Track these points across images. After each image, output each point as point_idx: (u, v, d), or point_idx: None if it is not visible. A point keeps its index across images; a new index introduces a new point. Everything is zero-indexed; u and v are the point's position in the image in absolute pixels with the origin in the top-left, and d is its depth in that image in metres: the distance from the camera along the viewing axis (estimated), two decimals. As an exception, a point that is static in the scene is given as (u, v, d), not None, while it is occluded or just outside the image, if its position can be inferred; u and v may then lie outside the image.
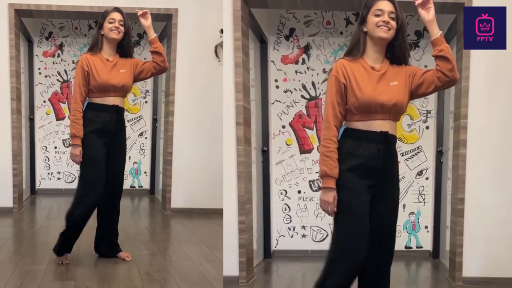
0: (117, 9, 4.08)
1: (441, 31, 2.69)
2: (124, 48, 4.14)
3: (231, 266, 4.34)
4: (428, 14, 2.72)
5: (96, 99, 4.03)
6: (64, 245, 4.13)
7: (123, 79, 4.06)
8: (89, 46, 4.15)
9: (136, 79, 4.27)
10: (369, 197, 2.72)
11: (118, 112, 4.10)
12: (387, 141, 2.72)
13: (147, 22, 4.14)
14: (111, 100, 4.05)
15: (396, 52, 2.79)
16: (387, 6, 2.72)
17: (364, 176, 2.70)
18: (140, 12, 4.11)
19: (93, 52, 4.05)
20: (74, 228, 4.10)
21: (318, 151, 5.59)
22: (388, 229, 2.82)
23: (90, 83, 3.99)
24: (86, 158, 4.01)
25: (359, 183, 2.69)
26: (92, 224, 4.23)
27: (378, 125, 2.71)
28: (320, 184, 2.75)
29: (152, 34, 4.16)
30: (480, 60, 4.47)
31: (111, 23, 4.00)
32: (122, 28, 4.04)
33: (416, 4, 2.71)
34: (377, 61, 2.77)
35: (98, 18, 6.43)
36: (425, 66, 5.61)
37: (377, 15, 2.71)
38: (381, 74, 2.73)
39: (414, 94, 2.81)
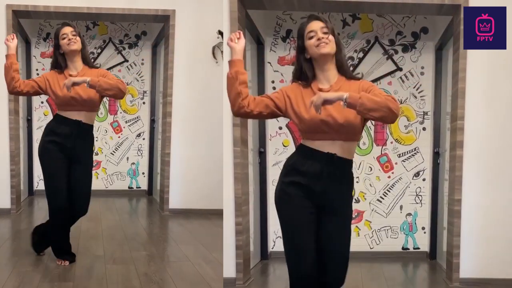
0: (65, 23, 4.05)
1: (346, 94, 2.47)
2: (85, 57, 4.10)
3: (228, 267, 4.35)
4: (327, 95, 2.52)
5: (61, 112, 4.03)
6: (55, 247, 4.17)
7: (85, 93, 3.93)
8: (51, 64, 4.12)
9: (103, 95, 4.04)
10: (311, 215, 2.71)
11: (79, 127, 4.02)
12: (333, 163, 2.67)
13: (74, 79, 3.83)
14: (75, 115, 4.00)
15: (337, 64, 2.76)
16: (317, 25, 2.71)
17: (306, 194, 2.69)
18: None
19: (59, 70, 4.06)
20: (56, 230, 4.15)
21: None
22: (337, 253, 2.79)
23: (54, 99, 4.01)
24: (45, 169, 4.09)
25: (301, 198, 2.69)
26: (90, 226, 4.23)
27: (327, 145, 2.66)
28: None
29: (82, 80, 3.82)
30: (477, 62, 4.48)
31: (64, 38, 3.98)
32: (77, 38, 4.00)
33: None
34: (328, 81, 2.74)
35: (95, 19, 6.53)
36: (422, 68, 5.62)
37: (311, 37, 2.70)
38: None
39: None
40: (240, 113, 2.76)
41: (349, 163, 2.76)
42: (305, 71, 2.76)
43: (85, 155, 4.18)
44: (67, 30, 3.99)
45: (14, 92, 4.03)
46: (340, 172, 2.72)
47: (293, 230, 2.74)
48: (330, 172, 2.68)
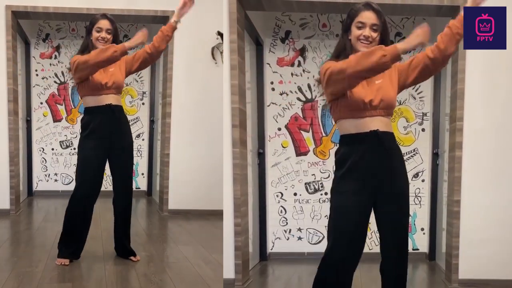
0: (105, 16, 4.07)
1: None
2: None
3: (227, 268, 4.35)
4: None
5: (90, 102, 4.07)
6: (63, 243, 4.18)
7: (113, 77, 4.07)
8: (80, 49, 4.15)
9: (131, 72, 4.25)
10: (366, 198, 2.75)
11: (112, 110, 4.10)
12: (379, 139, 2.73)
13: (183, 10, 4.02)
14: (104, 99, 4.06)
15: None
16: (369, 18, 2.73)
17: (359, 178, 2.72)
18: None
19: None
20: (69, 224, 4.17)
21: (314, 154, 5.61)
22: (399, 229, 2.86)
23: (82, 85, 4.03)
24: (80, 160, 4.11)
25: (353, 186, 2.72)
26: (90, 226, 4.24)
27: (368, 123, 2.72)
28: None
29: (178, 21, 4.06)
30: (476, 62, 4.49)
31: (98, 31, 4.02)
32: (109, 37, 4.04)
33: None
34: None
35: (95, 20, 6.49)
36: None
37: (359, 28, 2.73)
38: None
39: (405, 83, 2.85)
40: None
41: (392, 136, 2.82)
42: (348, 49, 2.79)
43: (123, 136, 4.29)
44: (104, 25, 4.03)
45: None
46: (389, 145, 2.78)
47: (348, 221, 2.76)
48: (378, 148, 2.73)
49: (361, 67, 2.53)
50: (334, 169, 2.88)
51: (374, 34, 2.73)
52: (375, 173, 2.74)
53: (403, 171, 2.86)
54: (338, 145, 2.88)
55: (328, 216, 2.85)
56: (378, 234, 5.69)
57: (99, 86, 4.01)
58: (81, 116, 4.77)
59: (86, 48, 4.06)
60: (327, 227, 2.89)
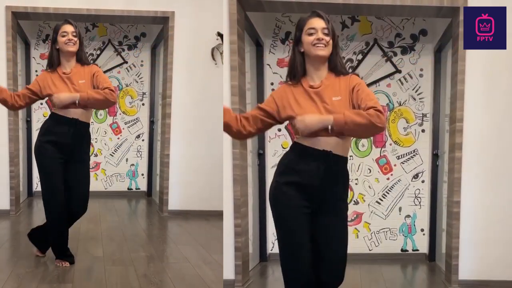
0: (67, 21, 4.03)
1: (331, 121, 2.59)
2: (80, 57, 4.10)
3: (226, 269, 4.35)
4: None
5: (58, 111, 4.02)
6: (54, 248, 4.18)
7: (81, 91, 3.98)
8: (47, 62, 4.11)
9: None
10: (306, 215, 2.71)
11: (76, 125, 4.02)
12: (328, 160, 2.66)
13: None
14: (71, 113, 4.00)
15: (331, 64, 2.76)
16: (319, 23, 2.70)
17: (302, 191, 2.69)
18: None
19: (52, 69, 4.05)
20: (54, 231, 4.16)
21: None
22: (335, 251, 2.78)
23: (50, 99, 4.01)
24: (42, 169, 4.07)
25: (296, 197, 2.69)
26: (90, 227, 4.23)
27: (323, 142, 2.65)
28: None
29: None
30: (475, 63, 4.49)
31: (64, 36, 3.98)
32: (76, 39, 4.01)
33: None
34: (318, 78, 2.75)
35: (95, 20, 6.53)
36: (421, 70, 5.63)
37: (311, 34, 2.69)
38: (320, 91, 2.70)
39: None
40: (242, 138, 2.87)
41: (344, 160, 2.75)
42: (299, 66, 2.75)
43: (83, 153, 4.20)
44: (68, 29, 3.99)
45: (15, 108, 4.15)
46: (336, 170, 2.71)
47: (289, 230, 2.73)
48: (326, 169, 2.67)
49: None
50: (276, 172, 2.85)
51: (327, 38, 2.68)
52: (319, 191, 2.69)
53: (342, 199, 2.80)
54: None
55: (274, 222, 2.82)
56: (377, 235, 5.70)
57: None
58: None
59: (52, 59, 4.04)
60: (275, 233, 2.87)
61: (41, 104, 8.03)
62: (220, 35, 6.16)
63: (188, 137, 6.52)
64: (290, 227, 2.72)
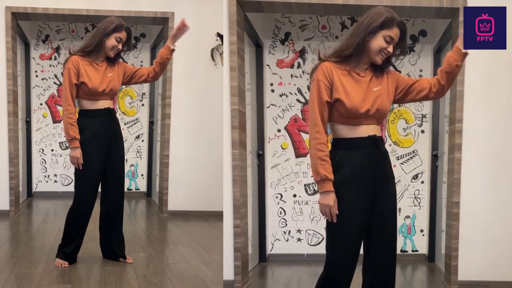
0: (127, 29, 4.07)
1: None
2: (116, 57, 4.15)
3: (226, 269, 4.35)
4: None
5: (86, 105, 4.06)
6: (64, 251, 4.17)
7: (111, 84, 4.09)
8: (83, 47, 4.08)
9: (125, 83, 4.30)
10: (363, 205, 2.71)
11: (110, 114, 4.13)
12: (376, 144, 2.73)
13: (180, 34, 4.19)
14: (102, 104, 4.07)
15: (388, 64, 2.80)
16: (397, 36, 2.71)
17: (358, 183, 2.69)
18: (183, 24, 4.15)
19: (85, 55, 4.04)
20: (72, 233, 4.16)
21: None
22: (389, 228, 2.81)
23: (80, 88, 4.00)
24: (83, 165, 4.04)
25: (352, 192, 2.69)
26: (89, 227, 4.23)
27: (364, 130, 2.71)
28: (318, 189, 2.75)
29: (173, 45, 4.22)
30: (475, 64, 4.49)
31: (118, 41, 4.00)
32: (121, 48, 4.05)
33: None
34: (362, 68, 2.76)
35: (94, 21, 6.51)
36: (420, 71, 5.63)
37: (386, 41, 2.68)
38: (367, 81, 2.74)
39: (400, 99, 2.86)
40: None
41: (383, 141, 2.83)
42: (363, 55, 2.73)
43: (118, 139, 4.26)
44: (124, 37, 4.04)
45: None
46: (384, 150, 2.79)
47: (348, 230, 2.71)
48: (376, 153, 2.73)
49: (311, 160, 2.71)
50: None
51: (392, 50, 2.72)
52: (375, 177, 2.73)
53: (393, 175, 2.86)
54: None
55: (327, 223, 2.78)
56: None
57: (96, 92, 4.02)
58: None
59: (96, 50, 4.03)
60: (326, 233, 2.84)
61: (41, 104, 8.05)
62: (219, 35, 6.17)
63: (188, 137, 6.52)
64: (349, 224, 2.70)
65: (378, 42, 2.69)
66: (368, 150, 2.71)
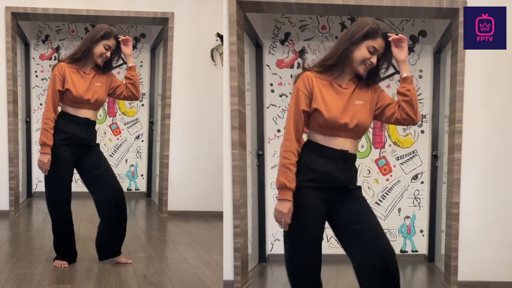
0: (116, 37, 4.03)
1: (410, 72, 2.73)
2: (105, 66, 4.12)
3: (226, 270, 4.35)
4: (401, 54, 2.72)
5: (68, 110, 4.04)
6: (58, 249, 4.18)
7: (97, 94, 4.04)
8: (72, 53, 4.08)
9: (110, 95, 4.23)
10: (323, 211, 2.71)
11: (88, 125, 4.08)
12: (346, 160, 2.71)
13: (127, 50, 4.08)
14: (84, 113, 4.04)
15: (372, 76, 2.78)
16: (381, 47, 2.70)
17: (319, 190, 2.68)
18: (122, 38, 4.04)
19: (73, 63, 4.03)
20: (58, 233, 4.18)
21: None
22: (372, 221, 2.73)
23: (65, 94, 3.99)
24: (53, 167, 4.00)
25: (313, 196, 2.68)
26: (89, 228, 4.23)
27: (339, 142, 2.69)
28: (276, 195, 2.75)
29: (132, 62, 4.15)
30: (475, 65, 4.49)
31: (106, 49, 3.98)
32: (109, 56, 4.03)
33: (390, 39, 2.69)
34: (345, 80, 2.75)
35: (94, 21, 6.52)
36: (420, 71, 5.63)
37: (370, 52, 2.68)
38: (349, 93, 2.72)
39: (376, 117, 2.82)
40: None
41: (355, 158, 2.81)
42: (346, 66, 2.72)
43: (94, 148, 4.20)
44: (113, 44, 4.02)
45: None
46: (352, 167, 2.77)
47: (307, 232, 2.71)
48: (343, 168, 2.71)
49: (280, 163, 2.71)
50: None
51: (375, 63, 2.71)
52: (335, 190, 2.71)
53: (357, 190, 2.80)
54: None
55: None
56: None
57: (80, 100, 3.99)
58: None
59: (83, 57, 4.02)
60: (284, 235, 2.83)
61: (41, 104, 8.04)
62: (219, 36, 6.17)
63: (188, 137, 6.52)
64: (308, 227, 2.70)
65: (361, 52, 2.68)
66: (336, 163, 2.69)
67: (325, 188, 2.69)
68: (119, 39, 4.04)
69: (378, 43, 2.69)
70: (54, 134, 3.98)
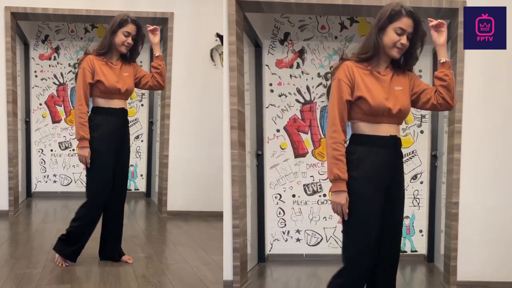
0: (134, 21, 4.03)
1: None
2: (131, 55, 4.14)
3: (225, 270, 4.35)
4: (440, 38, 2.78)
5: (101, 103, 4.04)
6: (66, 250, 4.16)
7: (127, 83, 4.08)
8: (97, 48, 4.08)
9: (135, 85, 4.25)
10: (380, 201, 2.73)
11: (123, 114, 4.14)
12: (396, 145, 2.76)
13: (155, 39, 4.10)
14: (116, 103, 4.07)
15: (408, 60, 2.82)
16: (409, 26, 2.72)
17: (375, 180, 2.70)
18: (150, 28, 4.06)
19: (100, 55, 4.04)
20: (79, 232, 4.14)
21: (313, 155, 5.61)
22: (397, 224, 2.87)
23: (96, 86, 3.99)
24: (94, 163, 4.01)
25: (370, 188, 2.69)
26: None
27: (386, 129, 2.73)
28: (328, 188, 2.77)
29: (159, 51, 4.15)
30: (474, 65, 4.49)
31: (125, 36, 3.98)
32: (132, 43, 4.03)
33: (430, 25, 2.74)
34: (382, 67, 2.78)
35: (94, 21, 6.52)
36: (420, 71, 5.63)
37: (398, 34, 2.70)
38: (388, 80, 2.75)
39: (412, 103, 2.85)
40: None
41: (401, 143, 2.86)
42: (381, 53, 2.75)
43: (128, 141, 4.27)
44: (132, 30, 4.01)
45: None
46: (401, 153, 2.83)
47: (367, 225, 2.71)
48: (394, 153, 2.76)
49: (327, 158, 2.71)
50: (348, 168, 2.74)
51: (407, 43, 2.73)
52: (391, 176, 2.75)
53: (404, 179, 2.92)
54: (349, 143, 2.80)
55: (345, 219, 2.75)
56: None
57: (112, 91, 4.01)
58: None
59: (107, 49, 4.02)
60: (343, 230, 2.82)
61: (40, 104, 8.05)
62: (219, 36, 6.17)
63: (187, 137, 6.52)
64: (368, 220, 2.71)
65: (389, 36, 2.72)
66: (388, 150, 2.73)
67: (380, 178, 2.71)
68: (148, 29, 4.06)
69: (403, 22, 2.71)
70: (92, 130, 3.98)
